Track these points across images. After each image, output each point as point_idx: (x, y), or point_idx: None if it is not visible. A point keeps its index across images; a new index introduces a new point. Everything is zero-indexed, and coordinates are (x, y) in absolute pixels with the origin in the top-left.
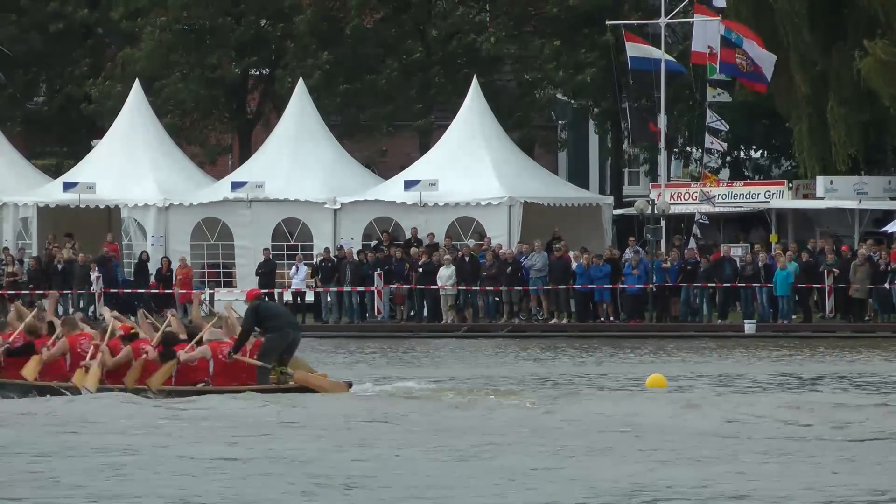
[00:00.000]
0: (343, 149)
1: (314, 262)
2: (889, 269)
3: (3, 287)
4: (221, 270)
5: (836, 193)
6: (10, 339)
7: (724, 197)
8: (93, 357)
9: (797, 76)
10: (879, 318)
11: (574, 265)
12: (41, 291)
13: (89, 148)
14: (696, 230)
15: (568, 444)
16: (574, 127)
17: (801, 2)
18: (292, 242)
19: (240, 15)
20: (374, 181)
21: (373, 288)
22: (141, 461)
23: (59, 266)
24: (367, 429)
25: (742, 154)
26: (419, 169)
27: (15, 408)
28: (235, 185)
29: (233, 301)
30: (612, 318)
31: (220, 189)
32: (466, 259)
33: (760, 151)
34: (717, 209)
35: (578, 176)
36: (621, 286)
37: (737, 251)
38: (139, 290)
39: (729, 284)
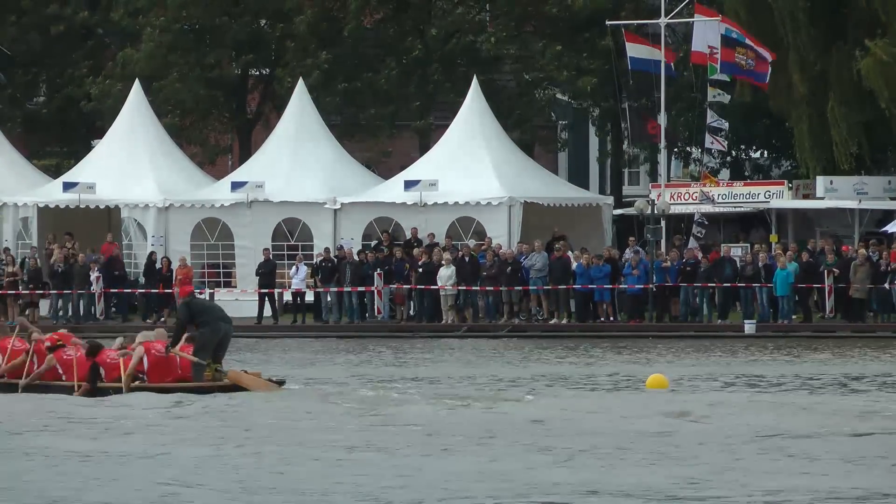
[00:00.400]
0: (343, 149)
1: (314, 262)
2: (889, 269)
3: (4, 287)
4: (221, 270)
5: (836, 193)
6: None
7: (724, 197)
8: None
9: (796, 76)
10: (879, 318)
11: (574, 265)
12: (41, 292)
13: (89, 148)
14: (696, 230)
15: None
16: (574, 127)
17: (800, 2)
18: (292, 242)
19: (239, 15)
20: (374, 181)
21: (373, 288)
22: None
23: (59, 268)
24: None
25: (742, 154)
26: (419, 169)
27: None
28: (235, 186)
29: (233, 300)
30: (612, 318)
31: (220, 189)
32: (466, 259)
33: (760, 151)
34: (717, 209)
35: (578, 176)
36: (621, 286)
37: (737, 251)
38: (153, 291)
39: (729, 284)
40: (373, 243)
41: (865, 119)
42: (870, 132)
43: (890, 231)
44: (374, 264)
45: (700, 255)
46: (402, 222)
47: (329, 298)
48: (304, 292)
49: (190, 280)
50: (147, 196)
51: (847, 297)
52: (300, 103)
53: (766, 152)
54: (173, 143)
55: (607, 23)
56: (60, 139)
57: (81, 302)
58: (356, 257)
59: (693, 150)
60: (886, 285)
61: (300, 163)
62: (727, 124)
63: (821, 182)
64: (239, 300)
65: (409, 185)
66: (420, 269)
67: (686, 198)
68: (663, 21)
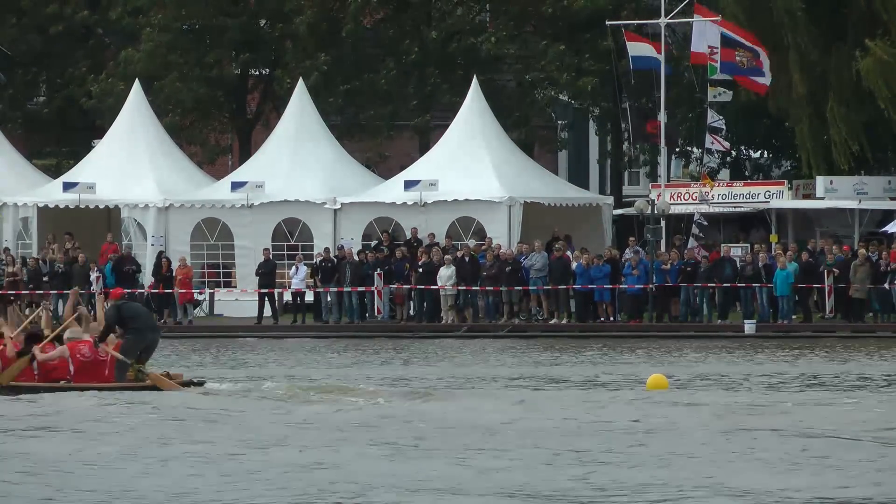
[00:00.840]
0: (343, 149)
1: (314, 262)
2: (889, 269)
3: (3, 287)
4: (221, 270)
5: (836, 193)
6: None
7: (724, 197)
8: None
9: (797, 76)
10: (879, 318)
11: (574, 265)
12: (41, 292)
13: (89, 148)
14: (695, 230)
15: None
16: (574, 127)
17: (800, 1)
18: (292, 242)
19: (238, 14)
20: (374, 181)
21: (373, 288)
22: None
23: (60, 269)
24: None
25: (742, 154)
26: (419, 169)
27: None
28: (235, 186)
29: (233, 300)
30: (612, 318)
31: (220, 189)
32: (466, 259)
33: (760, 151)
34: (715, 209)
35: (578, 176)
36: (621, 286)
37: (737, 251)
38: (166, 291)
39: (729, 284)
40: (373, 243)
41: (865, 119)
42: (870, 132)
43: (890, 231)
44: (374, 264)
45: (700, 256)
46: (402, 222)
47: (329, 298)
48: (304, 292)
49: (190, 281)
50: (147, 196)
51: (847, 296)
52: (300, 103)
53: (766, 152)
54: (173, 143)
55: (607, 23)
56: (60, 139)
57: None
58: (356, 257)
59: (693, 149)
60: (886, 285)
61: (300, 163)
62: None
63: (821, 182)
64: (239, 300)
65: (409, 185)
66: (420, 269)
67: (686, 198)
68: (663, 21)
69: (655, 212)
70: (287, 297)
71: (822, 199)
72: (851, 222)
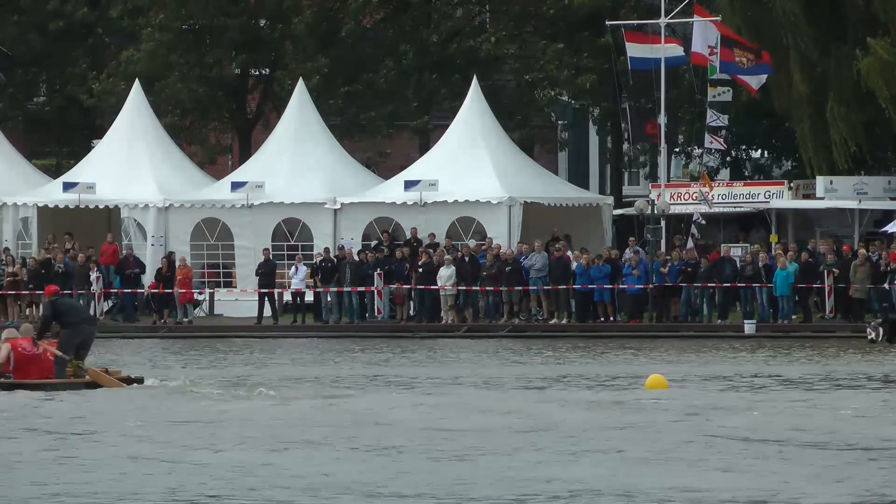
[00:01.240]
0: (343, 149)
1: (314, 262)
2: (889, 269)
3: (4, 287)
4: (221, 271)
5: (836, 193)
6: None
7: (724, 197)
8: None
9: (797, 76)
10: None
11: (574, 265)
12: (41, 292)
13: (89, 148)
14: (693, 230)
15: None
16: (574, 127)
17: (800, 1)
18: (292, 242)
19: (238, 14)
20: (374, 181)
21: (373, 288)
22: None
23: (60, 268)
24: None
25: (742, 154)
26: (419, 169)
27: None
28: (235, 186)
29: (233, 300)
30: (612, 318)
31: (220, 189)
32: (466, 259)
33: (760, 151)
34: (714, 209)
35: (578, 176)
36: (621, 286)
37: (737, 251)
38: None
39: (729, 284)
40: (373, 243)
41: (865, 119)
42: (870, 132)
43: (890, 231)
44: (374, 264)
45: (697, 256)
46: (402, 222)
47: (329, 298)
48: (304, 292)
49: (190, 281)
50: (147, 196)
51: (847, 296)
52: (300, 103)
53: (766, 152)
54: (173, 143)
55: (607, 23)
56: (60, 139)
57: (81, 302)
58: (356, 257)
59: (693, 150)
60: (886, 285)
61: (300, 163)
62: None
63: (821, 182)
64: (239, 300)
65: (409, 185)
66: (420, 269)
67: (686, 198)
68: (663, 21)
69: (655, 212)
70: (287, 297)
71: (822, 199)
72: (851, 222)
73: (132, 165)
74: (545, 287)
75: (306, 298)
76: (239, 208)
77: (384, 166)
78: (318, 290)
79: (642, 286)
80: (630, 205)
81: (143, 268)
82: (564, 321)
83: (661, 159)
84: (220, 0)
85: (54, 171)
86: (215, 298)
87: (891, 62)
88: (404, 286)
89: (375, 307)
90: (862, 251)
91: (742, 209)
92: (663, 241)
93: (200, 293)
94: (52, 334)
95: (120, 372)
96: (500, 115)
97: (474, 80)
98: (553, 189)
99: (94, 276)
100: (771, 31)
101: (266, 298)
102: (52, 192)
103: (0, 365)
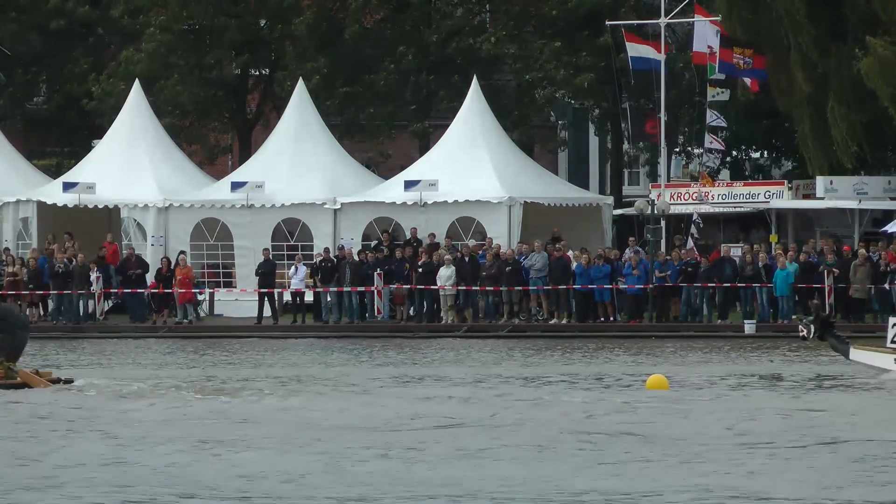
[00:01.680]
0: (343, 149)
1: (314, 262)
2: (889, 269)
3: (4, 287)
4: (221, 271)
5: (836, 193)
6: None
7: (724, 197)
8: None
9: (799, 75)
10: (879, 318)
11: (574, 265)
12: (41, 292)
13: (89, 148)
14: (693, 230)
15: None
16: (574, 127)
17: (800, 1)
18: (292, 242)
19: (239, 14)
20: (374, 181)
21: (373, 288)
22: None
23: (60, 268)
24: None
25: (742, 154)
26: (419, 169)
27: None
28: (235, 186)
29: (233, 300)
30: (612, 318)
31: (220, 189)
32: (466, 259)
33: (760, 151)
34: (714, 209)
35: (578, 176)
36: (621, 286)
37: (737, 251)
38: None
39: (729, 284)
40: (373, 243)
41: (866, 119)
42: (870, 132)
43: (890, 231)
44: (374, 264)
45: (698, 256)
46: (402, 222)
47: (329, 298)
48: (304, 292)
49: (190, 281)
50: (147, 196)
51: (847, 296)
52: (300, 103)
53: (766, 152)
54: (173, 143)
55: (607, 23)
56: (60, 139)
57: (81, 302)
58: (356, 257)
59: (693, 149)
60: (886, 285)
61: (300, 163)
62: (725, 122)
63: (821, 182)
64: (239, 300)
65: (409, 185)
66: (420, 269)
67: (686, 198)
68: (663, 21)
69: (655, 212)
70: (287, 297)
71: (822, 199)
72: (851, 222)
73: (132, 165)
74: (545, 287)
75: (306, 298)
76: (239, 208)
77: (384, 166)
78: (318, 290)
79: (642, 286)
80: (630, 205)
81: (146, 268)
82: (564, 321)
83: (662, 159)
84: (221, 0)
85: (54, 171)
86: (215, 298)
87: (891, 61)
88: (404, 286)
89: (375, 307)
90: (862, 251)
91: (742, 209)
92: (663, 241)
93: (200, 293)
94: None
95: (51, 373)
96: (500, 115)
97: (474, 81)
98: (553, 189)
99: (94, 276)
100: (771, 31)
101: (266, 298)
102: (52, 192)
103: None
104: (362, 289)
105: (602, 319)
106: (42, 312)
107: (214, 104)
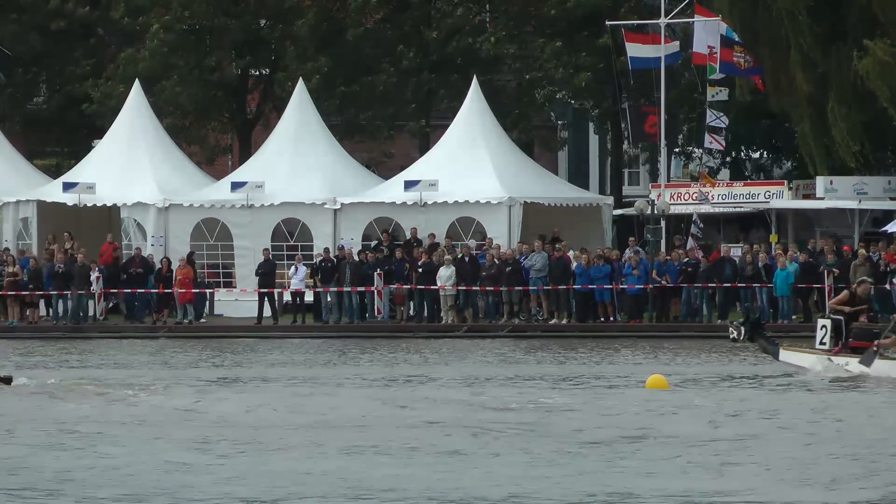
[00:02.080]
0: (343, 149)
1: (314, 262)
2: (889, 269)
3: (4, 287)
4: (221, 271)
5: (836, 193)
6: None
7: (724, 197)
8: None
9: (800, 75)
10: (880, 318)
11: (574, 265)
12: (41, 293)
13: (89, 148)
14: (693, 230)
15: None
16: (574, 127)
17: (801, 1)
18: (292, 243)
19: (239, 14)
20: (374, 181)
21: (373, 288)
22: None
23: (60, 268)
24: None
25: (742, 154)
26: (419, 169)
27: None
28: (235, 186)
29: (233, 300)
30: (612, 318)
31: (220, 189)
32: (466, 259)
33: (760, 151)
34: (714, 209)
35: (578, 176)
36: (621, 286)
37: (737, 251)
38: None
39: (729, 284)
40: (373, 243)
41: (865, 119)
42: (870, 132)
43: (890, 231)
44: (374, 264)
45: (700, 255)
46: (402, 222)
47: (329, 298)
48: (304, 292)
49: (190, 281)
50: (147, 196)
51: None
52: (300, 103)
53: (766, 152)
54: (173, 143)
55: (607, 23)
56: (60, 139)
57: (81, 302)
58: (356, 257)
59: (693, 149)
60: (886, 285)
61: (300, 163)
62: (727, 121)
63: (821, 182)
64: (239, 300)
65: (409, 185)
66: (420, 269)
67: (686, 198)
68: (663, 21)
69: (655, 212)
70: (287, 297)
71: (822, 199)
72: (851, 222)
73: (132, 165)
74: (545, 287)
75: (306, 298)
76: (239, 208)
77: (384, 166)
78: (317, 290)
79: (642, 286)
80: (630, 205)
81: (150, 269)
82: (564, 321)
83: (662, 159)
84: (221, 0)
85: (54, 171)
86: (215, 298)
87: (890, 64)
88: (404, 286)
89: (375, 307)
90: (862, 251)
91: (742, 209)
92: (663, 241)
93: (200, 293)
94: None
95: None
96: (500, 115)
97: (474, 80)
98: (553, 189)
99: (94, 276)
100: (771, 31)
101: (266, 298)
102: (52, 192)
103: None
104: (362, 289)
105: (602, 319)
106: (45, 313)
107: (214, 104)
